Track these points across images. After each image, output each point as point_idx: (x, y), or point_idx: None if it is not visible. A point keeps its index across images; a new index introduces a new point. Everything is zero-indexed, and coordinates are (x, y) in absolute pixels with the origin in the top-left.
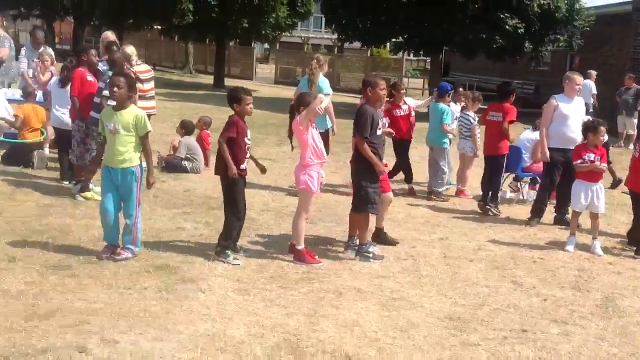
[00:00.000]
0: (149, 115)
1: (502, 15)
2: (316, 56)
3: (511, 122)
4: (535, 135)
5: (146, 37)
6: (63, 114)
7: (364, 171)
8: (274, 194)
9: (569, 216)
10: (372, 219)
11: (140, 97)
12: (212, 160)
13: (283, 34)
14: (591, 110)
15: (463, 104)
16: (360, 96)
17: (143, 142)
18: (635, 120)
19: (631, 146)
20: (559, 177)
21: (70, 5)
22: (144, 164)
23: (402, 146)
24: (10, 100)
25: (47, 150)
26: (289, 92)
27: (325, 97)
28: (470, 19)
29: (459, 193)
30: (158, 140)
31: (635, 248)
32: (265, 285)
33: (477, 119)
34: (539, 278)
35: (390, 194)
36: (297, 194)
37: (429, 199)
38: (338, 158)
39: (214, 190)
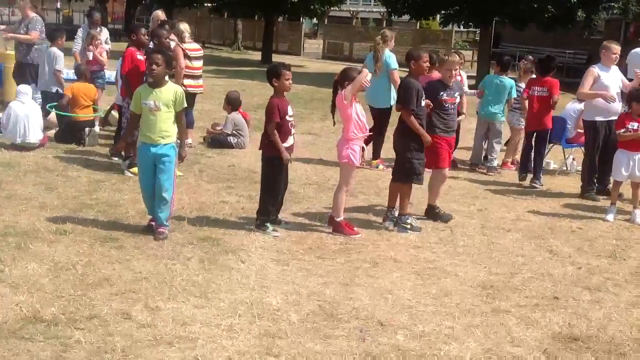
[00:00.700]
0: (195, 94)
1: None
2: (382, 32)
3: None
4: (581, 106)
5: (196, 14)
6: None
7: (409, 143)
8: (317, 167)
9: (610, 187)
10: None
11: (188, 76)
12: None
13: (332, 8)
14: None
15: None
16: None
17: (179, 117)
18: None
19: None
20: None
21: None
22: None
23: None
24: (66, 80)
25: (97, 128)
26: (336, 67)
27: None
28: None
29: (504, 165)
30: (205, 117)
31: None
32: (303, 256)
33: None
34: (576, 247)
35: (447, 170)
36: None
37: (471, 171)
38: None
39: (257, 165)
